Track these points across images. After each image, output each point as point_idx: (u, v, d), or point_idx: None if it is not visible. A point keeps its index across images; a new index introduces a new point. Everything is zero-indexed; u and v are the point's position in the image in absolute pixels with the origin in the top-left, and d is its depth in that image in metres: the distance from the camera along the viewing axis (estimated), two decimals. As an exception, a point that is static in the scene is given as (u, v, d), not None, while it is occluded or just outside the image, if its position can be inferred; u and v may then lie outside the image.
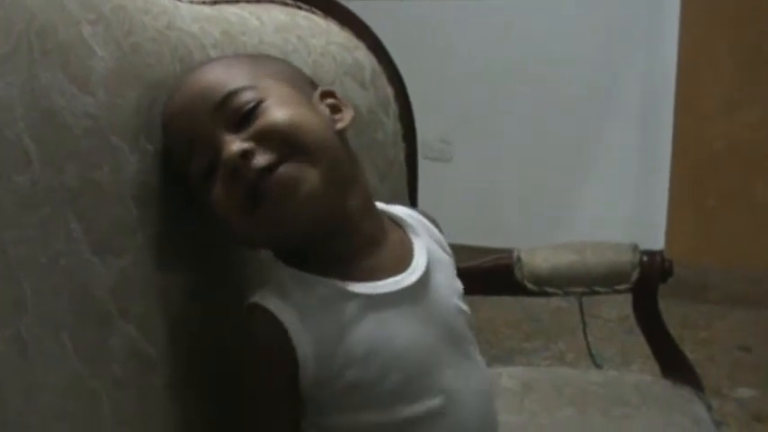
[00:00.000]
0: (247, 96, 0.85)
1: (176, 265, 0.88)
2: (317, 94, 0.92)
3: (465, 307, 0.97)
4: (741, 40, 2.94)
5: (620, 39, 3.24)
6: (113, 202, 0.80)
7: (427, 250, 0.94)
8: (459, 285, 0.98)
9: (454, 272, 0.99)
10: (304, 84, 0.94)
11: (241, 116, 0.84)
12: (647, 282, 1.43)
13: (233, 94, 0.85)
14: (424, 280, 0.91)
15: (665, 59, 3.08)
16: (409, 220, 0.97)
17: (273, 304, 0.85)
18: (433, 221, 1.02)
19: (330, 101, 0.92)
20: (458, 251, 1.03)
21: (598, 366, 1.59)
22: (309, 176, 0.83)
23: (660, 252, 1.46)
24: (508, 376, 1.45)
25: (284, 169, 0.82)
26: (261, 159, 0.82)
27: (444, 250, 0.99)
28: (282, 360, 0.84)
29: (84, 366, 0.73)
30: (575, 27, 3.28)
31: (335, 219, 0.86)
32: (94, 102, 0.79)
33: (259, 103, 0.85)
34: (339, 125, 0.90)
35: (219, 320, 0.91)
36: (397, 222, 0.96)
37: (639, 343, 1.51)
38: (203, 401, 0.89)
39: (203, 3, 1.06)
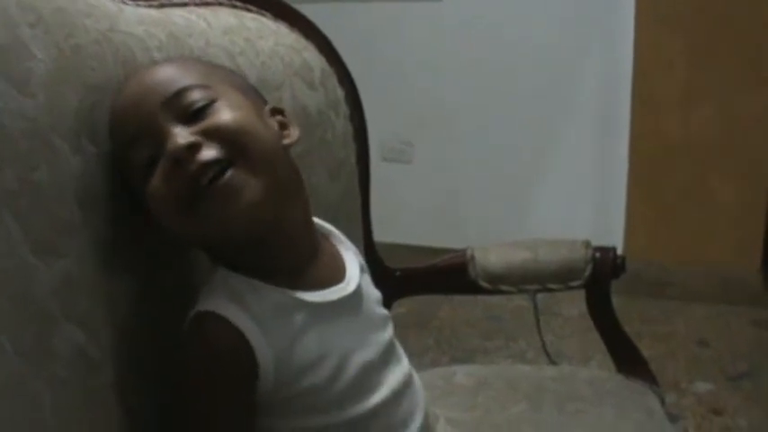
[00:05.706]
0: (200, 94, 0.86)
1: (122, 266, 0.88)
2: (267, 109, 0.94)
3: (386, 312, 1.03)
4: (695, 36, 2.98)
5: (576, 37, 3.27)
6: (54, 202, 0.79)
7: (358, 262, 0.99)
8: (378, 294, 1.04)
9: (371, 281, 1.04)
10: (256, 97, 0.95)
11: (192, 112, 0.85)
12: (599, 278, 1.45)
13: (186, 89, 0.86)
14: (359, 289, 0.96)
15: (621, 57, 3.12)
16: (336, 233, 1.02)
17: (230, 312, 0.84)
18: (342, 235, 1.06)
19: (279, 118, 0.94)
20: (418, 252, 1.07)
21: (553, 363, 1.60)
22: (253, 185, 0.83)
23: (613, 248, 1.47)
24: (463, 374, 1.46)
25: (230, 175, 0.82)
26: (206, 154, 0.82)
27: (360, 262, 1.03)
28: (241, 368, 0.84)
29: (25, 367, 0.73)
30: (531, 27, 3.30)
31: (272, 228, 0.87)
32: (34, 103, 0.78)
33: (211, 102, 0.85)
34: (286, 141, 0.92)
35: (166, 322, 0.90)
36: (326, 235, 1.01)
37: (599, 340, 1.52)
38: (148, 402, 0.89)
39: (150, 6, 1.06)
